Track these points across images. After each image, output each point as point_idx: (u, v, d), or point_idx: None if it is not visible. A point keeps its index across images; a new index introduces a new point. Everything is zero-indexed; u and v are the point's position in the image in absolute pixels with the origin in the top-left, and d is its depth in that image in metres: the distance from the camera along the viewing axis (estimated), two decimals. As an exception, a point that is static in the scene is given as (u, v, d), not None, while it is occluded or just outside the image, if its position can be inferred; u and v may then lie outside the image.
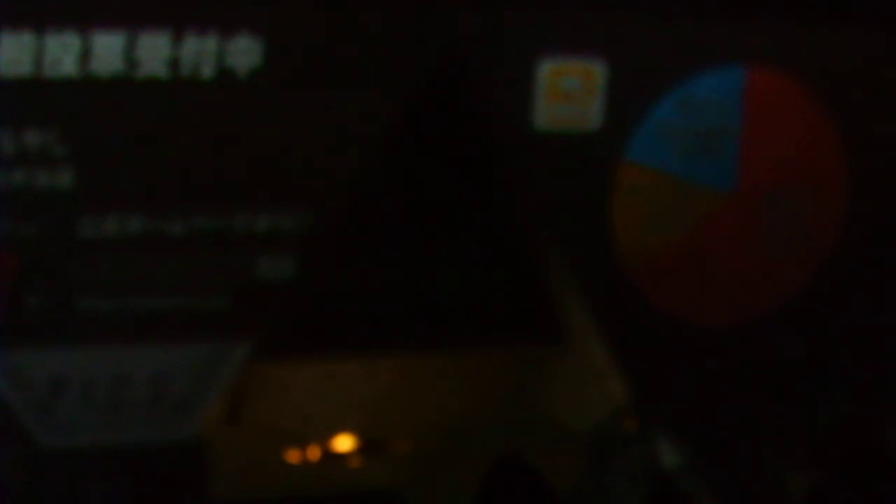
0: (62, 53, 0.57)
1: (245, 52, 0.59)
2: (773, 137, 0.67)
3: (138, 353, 0.62)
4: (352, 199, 0.63)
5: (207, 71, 0.59)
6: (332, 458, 0.70)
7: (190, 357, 0.63)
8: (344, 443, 0.70)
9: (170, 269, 0.61)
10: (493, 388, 0.70)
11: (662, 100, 0.65)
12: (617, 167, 0.65)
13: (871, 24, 0.66)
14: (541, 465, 0.59)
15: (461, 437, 0.70)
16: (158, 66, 0.58)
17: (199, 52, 0.58)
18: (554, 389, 0.71)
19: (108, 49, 0.57)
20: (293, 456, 0.70)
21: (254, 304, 0.63)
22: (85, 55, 0.57)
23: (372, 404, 0.69)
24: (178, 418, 0.64)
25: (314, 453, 0.70)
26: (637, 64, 0.64)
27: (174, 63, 0.58)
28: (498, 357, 0.70)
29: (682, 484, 0.70)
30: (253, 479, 0.69)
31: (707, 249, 0.68)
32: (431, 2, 0.61)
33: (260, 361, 0.64)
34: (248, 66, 0.59)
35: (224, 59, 0.59)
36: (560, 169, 0.65)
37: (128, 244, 0.60)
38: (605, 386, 0.69)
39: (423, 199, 0.67)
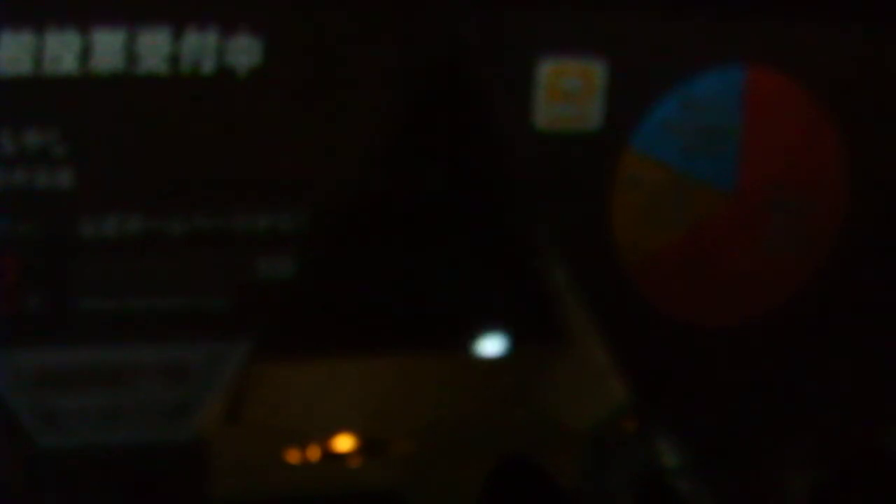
0: (62, 52, 0.57)
1: (245, 51, 0.59)
2: (774, 138, 0.67)
3: (138, 353, 0.62)
4: (352, 199, 0.63)
5: (207, 69, 0.59)
6: (332, 458, 0.70)
7: (190, 357, 0.63)
8: (344, 443, 0.70)
9: (170, 269, 0.61)
10: (493, 387, 0.70)
11: (663, 99, 0.65)
12: (620, 157, 0.65)
13: (871, 24, 0.66)
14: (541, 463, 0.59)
15: (461, 437, 0.70)
16: (158, 65, 0.58)
17: (199, 50, 0.58)
18: (554, 389, 0.71)
19: (108, 48, 0.57)
20: (293, 456, 0.70)
21: (254, 304, 0.63)
22: (85, 53, 0.57)
23: (372, 404, 0.69)
24: (177, 418, 0.64)
25: (314, 453, 0.70)
26: (637, 64, 0.64)
27: (174, 62, 0.58)
28: (498, 357, 0.70)
29: (681, 484, 0.70)
30: (253, 479, 0.69)
31: (707, 249, 0.68)
32: (431, 1, 0.61)
33: (260, 361, 0.64)
34: (248, 65, 0.59)
35: (224, 57, 0.59)
36: (560, 169, 0.65)
37: (128, 244, 0.60)
38: (605, 386, 0.69)
39: (423, 199, 0.67)
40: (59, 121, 0.58)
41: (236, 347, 0.63)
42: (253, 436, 0.68)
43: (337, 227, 0.63)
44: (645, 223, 0.67)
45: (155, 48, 0.58)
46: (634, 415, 0.70)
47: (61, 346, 0.61)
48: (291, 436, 0.69)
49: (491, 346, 0.70)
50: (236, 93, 0.59)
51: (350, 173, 0.62)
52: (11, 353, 0.61)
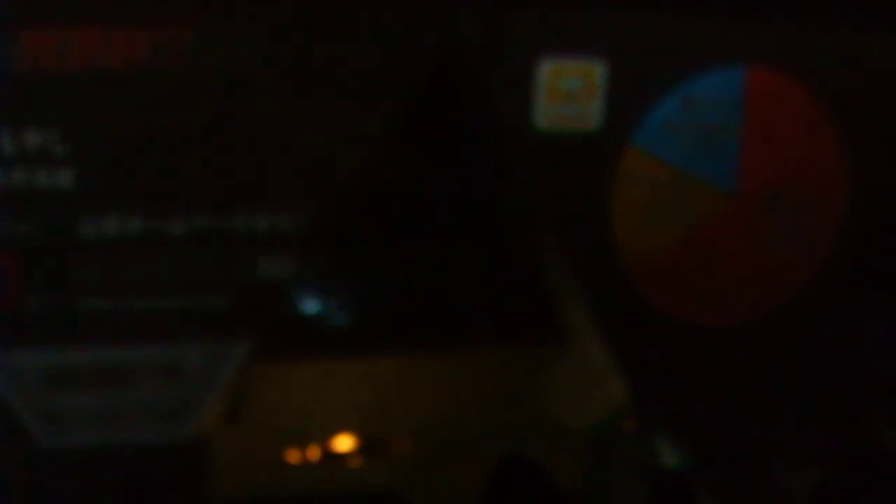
0: (62, 52, 0.57)
1: (244, 51, 0.59)
2: (774, 138, 0.67)
3: (138, 353, 0.62)
4: (352, 199, 0.63)
5: (207, 69, 0.59)
6: (332, 458, 0.70)
7: (190, 357, 0.63)
8: (344, 443, 0.70)
9: (170, 269, 0.61)
10: (493, 387, 0.71)
11: (664, 99, 0.65)
12: (620, 157, 0.65)
13: (872, 25, 0.66)
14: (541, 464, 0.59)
15: (461, 437, 0.70)
16: (159, 66, 0.58)
17: (199, 51, 0.58)
18: (554, 389, 0.71)
19: (108, 48, 0.57)
20: (293, 456, 0.70)
21: (254, 303, 0.63)
22: (85, 54, 0.57)
23: (372, 404, 0.69)
24: (177, 418, 0.64)
25: (314, 453, 0.70)
26: (637, 64, 0.64)
27: (174, 63, 0.58)
28: (498, 357, 0.70)
29: (681, 484, 0.70)
30: (253, 479, 0.69)
31: (707, 248, 0.68)
32: (431, 2, 0.61)
33: (260, 361, 0.64)
34: (248, 66, 0.59)
35: (224, 57, 0.59)
36: (560, 169, 0.65)
37: (128, 244, 0.60)
38: (605, 386, 0.69)
39: (423, 199, 0.67)
40: (59, 121, 0.58)
41: (236, 347, 0.63)
42: (253, 436, 0.68)
43: (337, 227, 0.63)
44: (645, 223, 0.67)
45: (155, 49, 0.58)
46: (634, 415, 0.70)
47: (61, 347, 0.61)
48: (291, 436, 0.69)
49: (491, 345, 0.70)
50: (236, 93, 0.59)
51: (350, 174, 0.62)
52: (12, 354, 0.61)
